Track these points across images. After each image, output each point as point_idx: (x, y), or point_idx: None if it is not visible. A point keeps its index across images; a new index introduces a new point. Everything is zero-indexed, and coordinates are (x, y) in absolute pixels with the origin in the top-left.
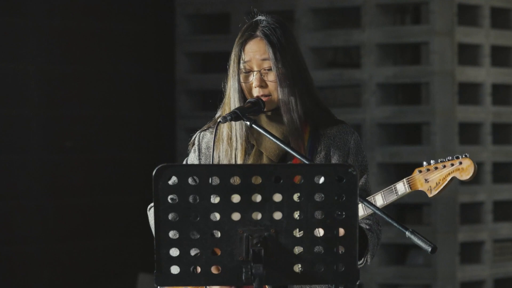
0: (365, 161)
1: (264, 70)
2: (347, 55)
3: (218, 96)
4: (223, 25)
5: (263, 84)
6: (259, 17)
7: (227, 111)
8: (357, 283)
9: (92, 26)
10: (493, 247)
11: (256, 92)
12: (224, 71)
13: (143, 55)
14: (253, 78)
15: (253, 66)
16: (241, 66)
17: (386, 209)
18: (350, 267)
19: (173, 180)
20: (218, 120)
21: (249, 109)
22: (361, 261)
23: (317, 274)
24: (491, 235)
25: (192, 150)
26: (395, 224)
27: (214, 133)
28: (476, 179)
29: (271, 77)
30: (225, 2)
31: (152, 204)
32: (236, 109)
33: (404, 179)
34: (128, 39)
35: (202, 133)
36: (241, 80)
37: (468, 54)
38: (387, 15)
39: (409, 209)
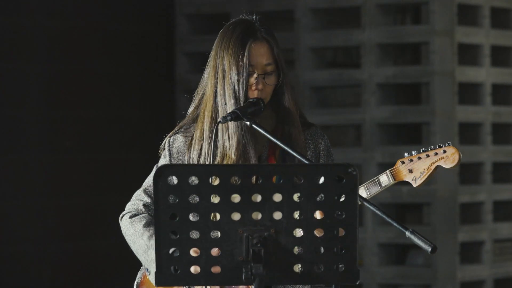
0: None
1: (267, 73)
2: (347, 55)
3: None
4: (223, 25)
5: (263, 88)
6: (245, 17)
7: (220, 107)
8: (357, 283)
9: (92, 26)
10: (493, 247)
11: (254, 93)
12: None
13: (143, 55)
14: (256, 81)
15: (257, 69)
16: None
17: (386, 209)
18: (350, 267)
19: (173, 180)
20: (219, 120)
21: (249, 109)
22: None
23: (317, 274)
24: (491, 235)
25: (163, 155)
26: (395, 224)
27: (213, 132)
28: (476, 179)
29: (272, 81)
30: (225, 2)
31: (123, 212)
32: (236, 109)
33: (387, 171)
34: (128, 39)
35: (173, 137)
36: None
37: (468, 54)
38: (387, 15)
39: (409, 209)
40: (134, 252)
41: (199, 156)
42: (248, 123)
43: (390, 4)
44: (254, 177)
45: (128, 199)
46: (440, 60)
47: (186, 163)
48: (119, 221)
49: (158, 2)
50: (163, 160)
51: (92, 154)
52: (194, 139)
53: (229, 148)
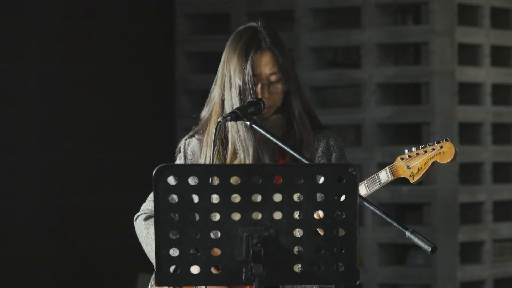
0: None
1: (272, 82)
2: (347, 55)
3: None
4: (223, 25)
5: (270, 96)
6: (252, 24)
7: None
8: (357, 283)
9: (92, 26)
10: (493, 247)
11: None
12: None
13: (143, 55)
14: (262, 91)
15: (261, 79)
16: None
17: (386, 209)
18: (350, 267)
19: (173, 180)
20: (219, 120)
21: (249, 109)
22: None
23: (317, 274)
24: (491, 235)
25: (178, 158)
26: (395, 224)
27: (213, 132)
28: (476, 179)
29: (278, 89)
30: (225, 2)
31: (138, 213)
32: (236, 109)
33: (387, 167)
34: (128, 39)
35: (188, 140)
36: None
37: (468, 54)
38: (387, 15)
39: (409, 209)
40: (147, 254)
41: (205, 162)
42: (248, 123)
43: (390, 4)
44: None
45: (128, 199)
46: (440, 60)
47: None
48: (134, 221)
49: (158, 2)
50: (178, 162)
51: (92, 154)
52: (204, 145)
53: (245, 156)
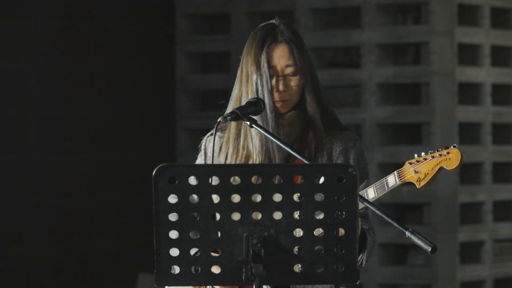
0: (366, 168)
1: (288, 75)
2: (347, 55)
3: (220, 96)
4: (223, 25)
5: (286, 89)
6: (273, 21)
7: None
8: (357, 283)
9: (92, 26)
10: (493, 247)
11: (277, 96)
12: (224, 71)
13: (143, 55)
14: (277, 83)
15: (277, 71)
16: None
17: (386, 209)
18: (350, 267)
19: (174, 180)
20: (219, 120)
21: (249, 109)
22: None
23: (317, 274)
24: (491, 235)
25: (199, 155)
26: (395, 224)
27: (214, 132)
28: (476, 179)
29: (293, 82)
30: (225, 2)
31: None
32: (236, 108)
33: (395, 172)
34: (128, 39)
35: (209, 137)
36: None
37: (468, 54)
38: (387, 15)
39: (409, 209)
40: None
41: (226, 159)
42: (248, 123)
43: (390, 4)
44: (277, 177)
45: (128, 199)
46: (440, 60)
47: (220, 164)
48: None
49: (158, 2)
50: (199, 160)
51: (92, 154)
52: (224, 143)
53: (253, 151)
